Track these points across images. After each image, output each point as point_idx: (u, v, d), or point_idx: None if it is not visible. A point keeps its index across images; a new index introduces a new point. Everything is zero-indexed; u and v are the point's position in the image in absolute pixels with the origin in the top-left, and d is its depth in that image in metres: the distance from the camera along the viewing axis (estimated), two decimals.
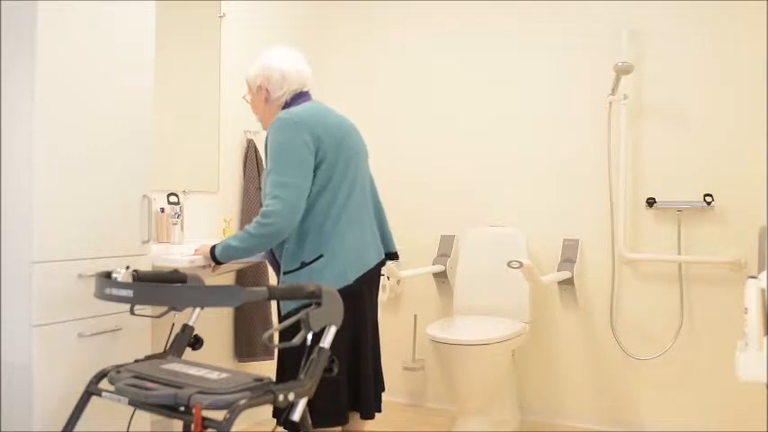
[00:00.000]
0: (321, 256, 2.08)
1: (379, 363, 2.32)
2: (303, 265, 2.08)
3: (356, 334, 2.19)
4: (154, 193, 2.36)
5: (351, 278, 2.12)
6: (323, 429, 2.16)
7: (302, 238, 2.09)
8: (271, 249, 2.21)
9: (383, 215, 2.37)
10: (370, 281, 2.22)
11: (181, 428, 2.44)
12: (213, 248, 2.14)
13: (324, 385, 2.08)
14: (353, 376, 2.20)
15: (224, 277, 3.09)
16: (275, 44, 3.53)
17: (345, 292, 2.07)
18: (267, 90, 2.21)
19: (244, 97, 2.37)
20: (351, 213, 2.16)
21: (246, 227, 2.07)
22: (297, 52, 2.29)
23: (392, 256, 2.37)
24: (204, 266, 2.22)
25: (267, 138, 2.12)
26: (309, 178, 2.07)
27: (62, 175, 2.01)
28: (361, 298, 2.18)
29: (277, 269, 2.21)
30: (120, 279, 1.93)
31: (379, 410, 2.28)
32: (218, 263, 2.15)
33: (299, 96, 2.22)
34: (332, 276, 2.08)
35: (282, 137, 2.05)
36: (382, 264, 2.29)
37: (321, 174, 2.10)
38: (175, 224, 2.74)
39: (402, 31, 3.76)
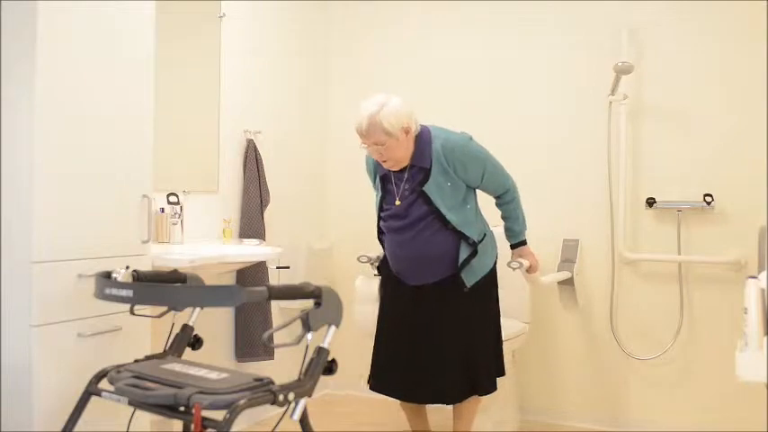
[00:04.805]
0: (485, 234, 2.63)
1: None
2: (478, 242, 2.58)
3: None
4: (154, 193, 2.35)
5: (497, 249, 2.70)
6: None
7: (472, 224, 2.57)
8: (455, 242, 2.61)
9: None
10: None
11: (181, 428, 2.44)
12: (523, 242, 2.72)
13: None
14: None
15: (224, 277, 3.09)
16: (275, 44, 3.54)
17: (496, 262, 2.66)
18: (411, 128, 2.55)
19: (377, 144, 2.49)
20: None
21: (511, 208, 2.69)
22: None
23: None
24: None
25: (456, 150, 2.55)
26: None
27: (62, 175, 2.01)
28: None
29: (455, 254, 2.57)
30: (120, 279, 1.93)
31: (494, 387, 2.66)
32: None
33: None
34: (492, 248, 2.65)
35: (478, 147, 2.65)
36: None
37: None
38: (175, 224, 2.74)
39: (401, 32, 3.76)
